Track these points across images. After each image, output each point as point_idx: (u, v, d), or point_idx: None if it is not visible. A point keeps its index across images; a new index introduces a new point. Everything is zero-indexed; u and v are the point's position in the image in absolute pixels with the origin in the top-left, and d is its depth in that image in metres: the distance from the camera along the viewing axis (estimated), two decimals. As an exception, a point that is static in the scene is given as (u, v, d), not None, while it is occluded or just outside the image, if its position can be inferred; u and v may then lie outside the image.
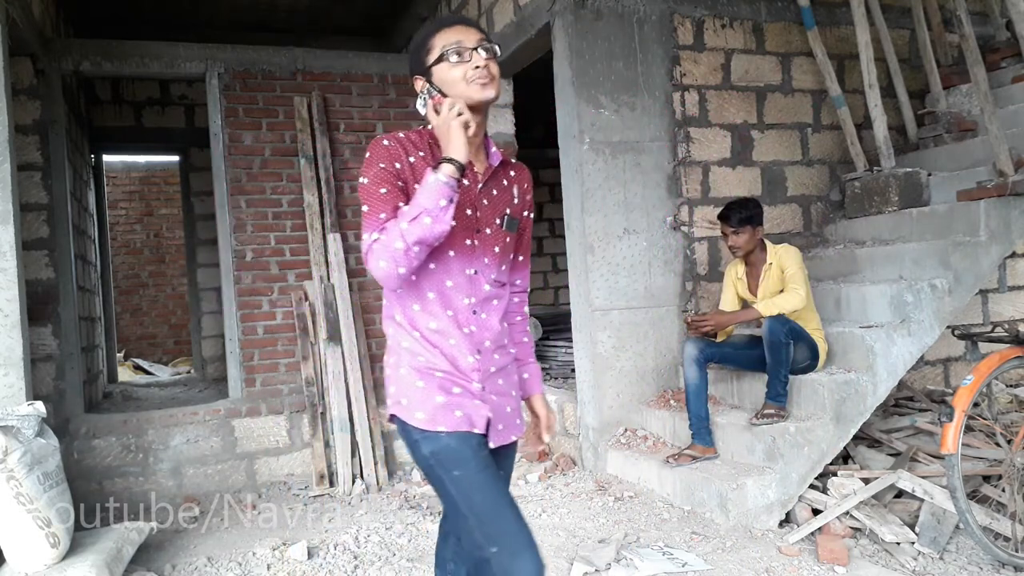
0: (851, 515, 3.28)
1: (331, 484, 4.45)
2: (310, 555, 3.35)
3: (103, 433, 4.33)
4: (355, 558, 3.31)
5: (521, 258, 1.88)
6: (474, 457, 1.63)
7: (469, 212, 1.69)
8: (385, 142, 1.66)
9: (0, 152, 3.34)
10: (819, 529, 3.23)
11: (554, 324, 6.11)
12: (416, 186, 1.61)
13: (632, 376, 4.27)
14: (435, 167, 1.56)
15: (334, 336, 4.60)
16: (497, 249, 1.74)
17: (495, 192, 1.76)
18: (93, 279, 5.98)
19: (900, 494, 3.44)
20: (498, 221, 1.74)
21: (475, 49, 1.64)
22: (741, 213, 3.67)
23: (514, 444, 1.81)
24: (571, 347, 4.74)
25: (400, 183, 1.63)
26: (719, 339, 3.81)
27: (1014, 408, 4.34)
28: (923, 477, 3.40)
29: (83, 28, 6.27)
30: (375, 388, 4.78)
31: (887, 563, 2.99)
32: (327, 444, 4.52)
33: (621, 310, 4.26)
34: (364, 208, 1.62)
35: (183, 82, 6.62)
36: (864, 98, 4.47)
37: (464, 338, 1.69)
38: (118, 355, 7.78)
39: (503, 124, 5.30)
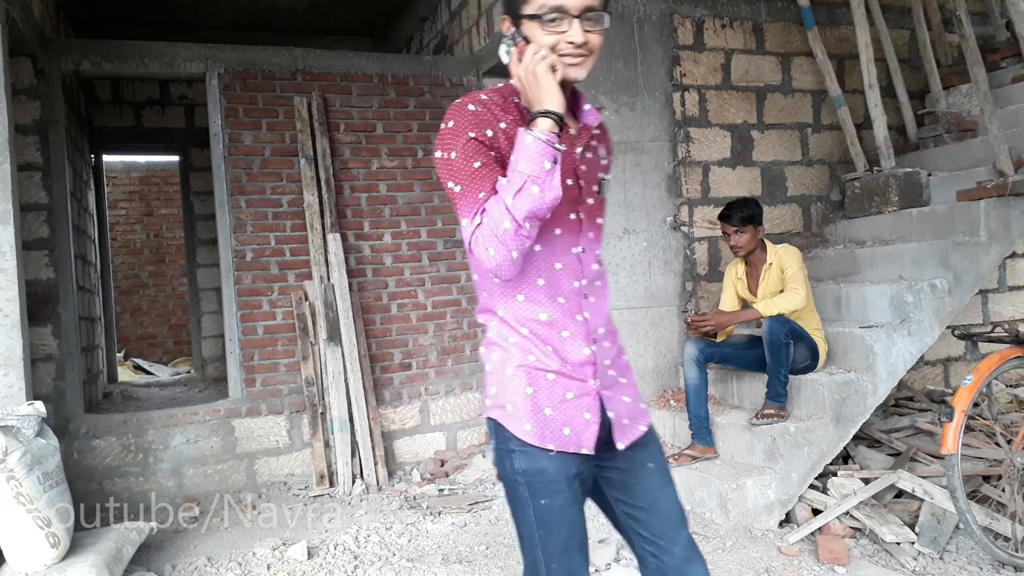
0: (851, 515, 3.28)
1: (331, 484, 4.45)
2: (310, 555, 3.35)
3: (103, 433, 4.33)
4: (355, 558, 3.31)
5: (600, 220, 1.60)
6: (568, 487, 1.45)
7: (570, 181, 1.46)
8: (471, 106, 1.41)
9: (0, 152, 3.34)
10: (819, 529, 3.23)
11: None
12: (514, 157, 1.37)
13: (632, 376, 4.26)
14: (528, 125, 1.35)
15: (334, 336, 4.60)
16: (600, 221, 1.53)
17: (590, 155, 1.53)
18: (93, 279, 5.98)
19: (900, 494, 3.44)
20: (595, 188, 1.52)
21: (578, 17, 1.40)
22: (743, 212, 3.67)
23: (650, 433, 1.60)
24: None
25: (494, 153, 1.40)
26: (719, 339, 3.81)
27: (1014, 408, 4.34)
28: (923, 477, 3.40)
29: (83, 28, 6.27)
30: (375, 388, 4.79)
31: (887, 563, 2.99)
32: (327, 444, 4.52)
33: (621, 310, 4.26)
34: (455, 188, 1.40)
35: (183, 82, 6.62)
36: (864, 98, 4.47)
37: (578, 327, 1.48)
38: (118, 355, 7.78)
39: (503, 124, 5.29)
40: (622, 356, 1.61)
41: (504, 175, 1.37)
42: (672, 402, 4.18)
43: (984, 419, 3.46)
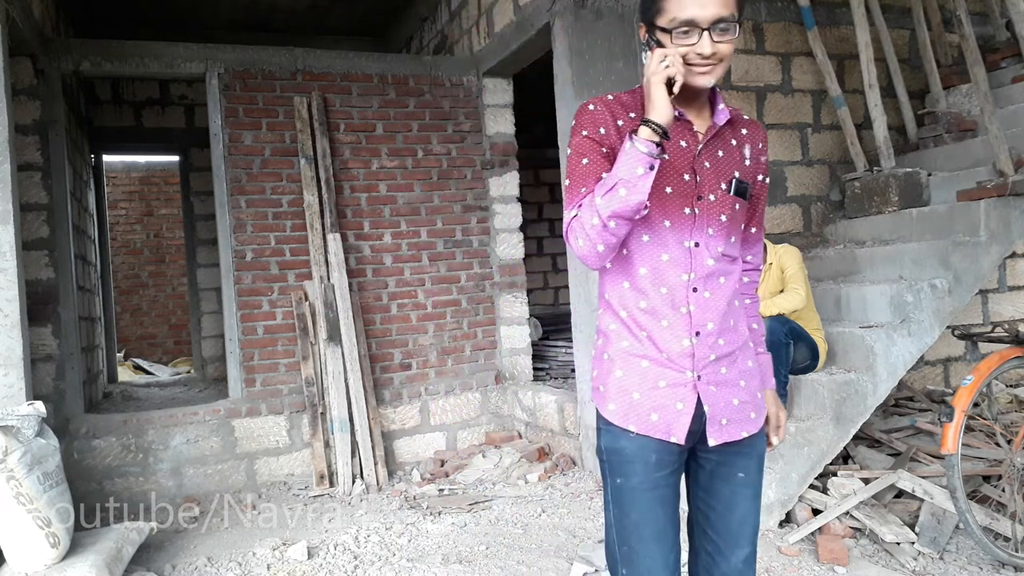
0: (851, 515, 3.28)
1: (331, 484, 4.45)
2: (310, 555, 3.35)
3: (103, 433, 4.33)
4: (355, 558, 3.31)
5: (754, 231, 1.67)
6: (644, 470, 1.49)
7: (687, 177, 1.51)
8: (591, 106, 1.52)
9: (0, 152, 3.34)
10: (819, 529, 3.23)
11: (554, 324, 6.11)
12: None
13: (632, 376, 4.26)
14: (633, 131, 1.41)
15: (334, 336, 4.60)
16: (724, 218, 1.54)
17: (721, 153, 1.56)
18: (93, 279, 5.98)
19: (900, 494, 3.44)
20: (723, 186, 1.54)
21: (708, 29, 1.43)
22: None
23: (755, 440, 1.60)
24: (571, 347, 4.74)
25: (605, 150, 1.49)
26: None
27: (1014, 408, 4.34)
28: (923, 477, 3.40)
29: (83, 28, 6.27)
30: (375, 388, 4.79)
31: (887, 563, 2.99)
32: (327, 444, 4.52)
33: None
34: (565, 182, 1.52)
35: (183, 82, 6.62)
36: (864, 98, 4.47)
37: (680, 319, 1.51)
38: (118, 355, 7.78)
39: (503, 124, 5.30)
40: (746, 359, 1.61)
41: (609, 170, 1.46)
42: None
43: (984, 419, 3.46)
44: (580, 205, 1.46)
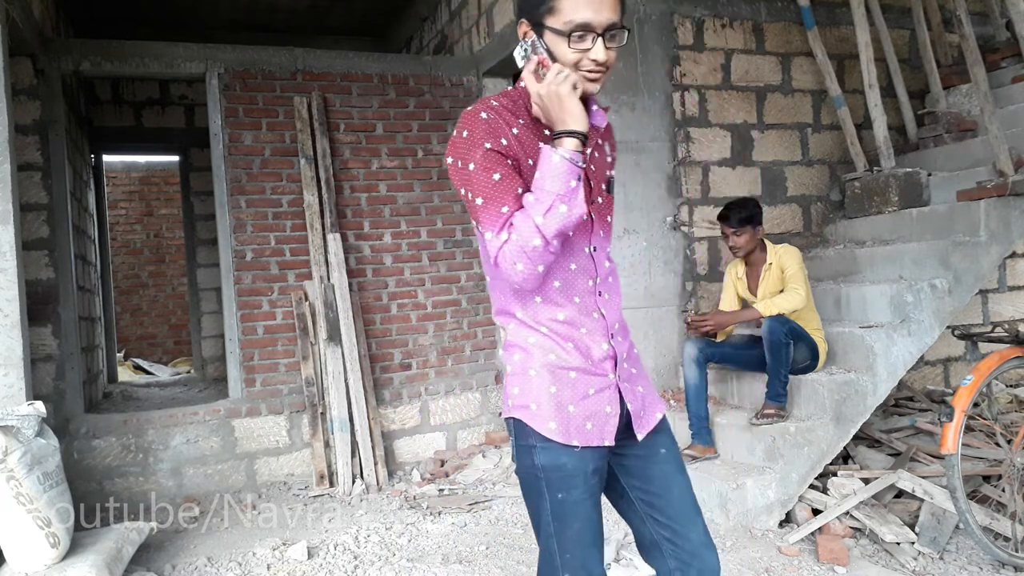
0: (851, 515, 3.28)
1: (331, 484, 4.45)
2: (310, 555, 3.35)
3: (103, 433, 4.33)
4: (355, 558, 3.31)
5: (610, 219, 1.63)
6: (584, 483, 1.50)
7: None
8: (484, 115, 1.43)
9: (0, 152, 3.34)
10: (819, 529, 3.23)
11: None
12: (529, 161, 1.42)
13: (632, 376, 4.27)
14: (552, 142, 1.38)
15: (334, 336, 4.60)
16: (609, 219, 1.58)
17: (596, 155, 1.56)
18: (93, 279, 5.98)
19: (900, 494, 3.45)
20: (604, 187, 1.56)
21: (601, 35, 1.39)
22: (741, 213, 3.67)
23: (664, 420, 1.66)
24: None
25: (510, 162, 1.42)
26: (719, 339, 3.81)
27: (1014, 408, 4.35)
28: (923, 477, 3.40)
29: (83, 28, 6.27)
30: (375, 388, 4.79)
31: (887, 563, 2.99)
32: (327, 444, 4.52)
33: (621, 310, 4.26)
34: (476, 200, 1.41)
35: (183, 82, 6.62)
36: (864, 98, 4.47)
37: (595, 324, 1.52)
38: (118, 355, 7.78)
39: (503, 124, 5.29)
40: (634, 348, 1.66)
41: (520, 183, 1.41)
42: (672, 402, 4.18)
43: (984, 419, 3.46)
44: (510, 226, 1.38)
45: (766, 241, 3.77)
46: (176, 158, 7.38)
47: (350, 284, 4.75)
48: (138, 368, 8.58)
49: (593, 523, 1.53)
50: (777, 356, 3.48)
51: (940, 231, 3.91)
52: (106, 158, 7.74)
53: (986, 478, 3.44)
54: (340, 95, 4.90)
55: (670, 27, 4.45)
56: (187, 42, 4.75)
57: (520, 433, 1.52)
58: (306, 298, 4.70)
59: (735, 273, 3.88)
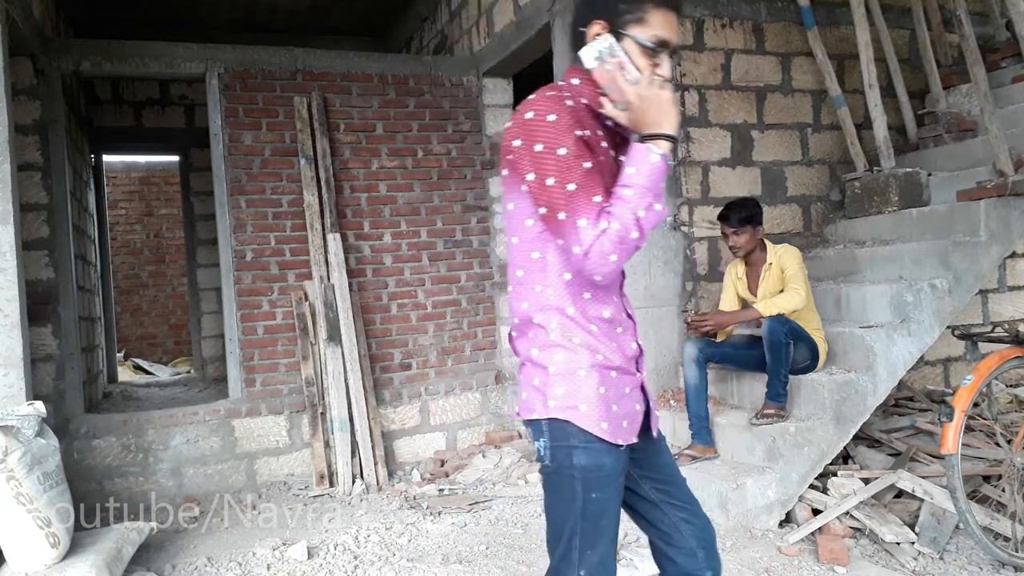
0: (851, 515, 3.28)
1: (331, 484, 4.45)
2: (310, 555, 3.35)
3: (103, 433, 4.33)
4: (355, 558, 3.31)
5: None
6: (617, 481, 1.54)
7: None
8: (569, 103, 1.46)
9: (0, 152, 3.34)
10: (819, 529, 3.23)
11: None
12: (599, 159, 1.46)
13: (632, 376, 4.26)
14: (647, 143, 1.42)
15: (334, 336, 4.60)
16: None
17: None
18: (93, 279, 5.98)
19: (900, 494, 3.44)
20: None
21: (672, 52, 1.49)
22: (741, 213, 3.67)
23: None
24: (571, 347, 4.73)
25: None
26: (719, 339, 3.81)
27: (1014, 408, 4.34)
28: (923, 477, 3.40)
29: (83, 28, 6.27)
30: (375, 388, 4.79)
31: (887, 563, 2.99)
32: (327, 444, 4.52)
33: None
34: (568, 186, 1.41)
35: (183, 82, 6.62)
36: (864, 98, 4.47)
37: (628, 324, 1.59)
38: (118, 355, 7.78)
39: (503, 124, 5.30)
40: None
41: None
42: (672, 402, 4.18)
43: (984, 419, 3.45)
44: (608, 215, 1.40)
45: (766, 241, 3.77)
46: (176, 158, 7.38)
47: (350, 284, 4.75)
48: (138, 368, 8.58)
49: (617, 519, 1.58)
50: (777, 356, 3.48)
51: (940, 231, 3.91)
52: (106, 158, 7.74)
53: (986, 478, 3.44)
54: (340, 95, 4.90)
55: (670, 27, 4.44)
56: (187, 42, 4.75)
57: (559, 434, 1.51)
58: (306, 298, 4.70)
59: (735, 273, 3.88)
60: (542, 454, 1.56)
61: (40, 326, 4.25)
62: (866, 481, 3.43)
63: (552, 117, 1.43)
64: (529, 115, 1.45)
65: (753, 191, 4.67)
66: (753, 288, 3.79)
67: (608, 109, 1.49)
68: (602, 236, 1.40)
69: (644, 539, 3.23)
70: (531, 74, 5.29)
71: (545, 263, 1.51)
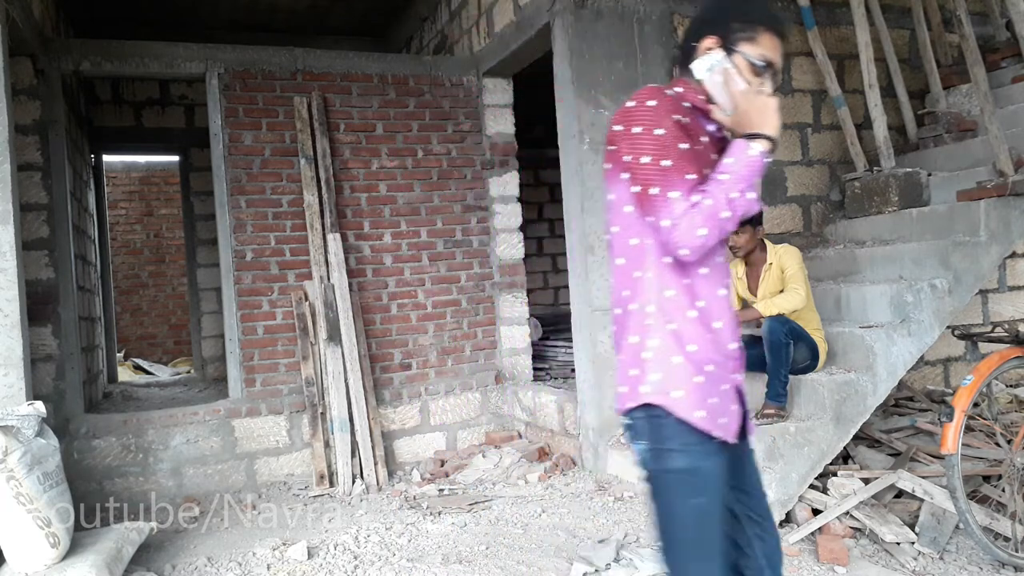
0: (851, 515, 3.28)
1: (331, 484, 4.45)
2: (310, 555, 3.35)
3: (103, 433, 4.33)
4: (355, 558, 3.31)
5: None
6: (719, 483, 1.54)
7: None
8: (668, 91, 1.57)
9: (0, 152, 3.34)
10: (819, 529, 3.23)
11: (554, 324, 6.11)
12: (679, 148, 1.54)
13: (632, 376, 4.26)
14: (750, 140, 1.52)
15: (334, 336, 4.60)
16: None
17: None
18: (93, 279, 5.98)
19: (900, 494, 3.44)
20: None
21: (774, 75, 1.60)
22: None
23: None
24: (571, 347, 4.74)
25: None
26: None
27: (1014, 408, 4.34)
28: (923, 477, 3.40)
29: (83, 28, 6.27)
30: (375, 388, 4.79)
31: (887, 563, 2.99)
32: (327, 444, 4.52)
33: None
34: (662, 163, 1.49)
35: (183, 82, 6.62)
36: (864, 98, 4.47)
37: (729, 321, 1.59)
38: (118, 355, 7.78)
39: (503, 124, 5.30)
40: None
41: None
42: (672, 402, 4.18)
43: (984, 419, 3.46)
44: (701, 192, 1.47)
45: (766, 241, 3.77)
46: (176, 158, 7.38)
47: (350, 284, 4.75)
48: (138, 368, 8.58)
49: (722, 527, 1.56)
50: (777, 356, 3.48)
51: (940, 231, 3.91)
52: (106, 158, 7.74)
53: (986, 478, 3.44)
54: (340, 95, 4.90)
55: (670, 27, 4.45)
56: (187, 42, 4.75)
57: (655, 434, 1.52)
58: (306, 298, 4.70)
59: (735, 273, 3.88)
60: (641, 458, 1.56)
61: (40, 326, 4.25)
62: (866, 481, 3.42)
63: (652, 102, 1.54)
64: (630, 104, 1.56)
65: (753, 191, 4.67)
66: (753, 288, 3.79)
67: (716, 113, 1.59)
68: (691, 211, 1.46)
69: (644, 539, 3.24)
70: (531, 74, 5.31)
71: (643, 249, 1.56)
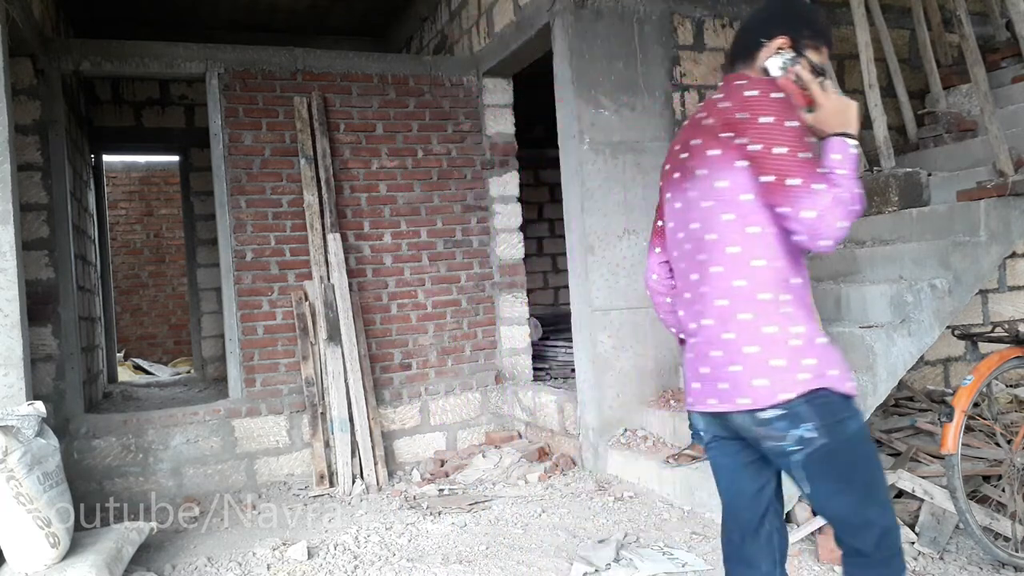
0: (851, 515, 3.28)
1: (331, 484, 4.45)
2: (310, 555, 3.35)
3: (103, 433, 4.33)
4: (355, 558, 3.31)
5: None
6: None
7: None
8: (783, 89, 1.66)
9: (0, 152, 3.34)
10: (819, 529, 3.23)
11: (554, 324, 6.11)
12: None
13: (632, 376, 4.27)
14: (845, 139, 1.61)
15: (334, 336, 4.60)
16: None
17: None
18: (93, 279, 5.98)
19: (900, 494, 3.44)
20: None
21: (822, 81, 1.69)
22: None
23: None
24: (571, 347, 4.74)
25: None
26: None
27: (1014, 408, 4.34)
28: (923, 477, 3.40)
29: (83, 28, 6.27)
30: (375, 388, 4.79)
31: (887, 563, 2.99)
32: (327, 444, 4.52)
33: (621, 310, 4.26)
34: (799, 154, 1.55)
35: (183, 82, 6.62)
36: (864, 98, 4.47)
37: (812, 301, 1.70)
38: (118, 355, 7.78)
39: (503, 124, 5.30)
40: None
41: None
42: (672, 402, 4.18)
43: (984, 419, 3.45)
44: (835, 184, 1.53)
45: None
46: (176, 158, 7.38)
47: (350, 284, 4.75)
48: (138, 368, 8.58)
49: None
50: (777, 356, 3.47)
51: (940, 231, 3.91)
52: (106, 158, 7.74)
53: (986, 478, 3.44)
54: (340, 95, 4.90)
55: (670, 27, 4.45)
56: (187, 42, 4.75)
57: (826, 412, 1.58)
58: (306, 298, 4.70)
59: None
60: (807, 437, 1.59)
61: (40, 326, 4.25)
62: (866, 481, 3.42)
63: (777, 95, 1.59)
64: (752, 93, 1.59)
65: (753, 191, 4.67)
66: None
67: (817, 118, 1.66)
68: (835, 201, 1.51)
69: (644, 539, 3.25)
70: (531, 74, 5.31)
71: (766, 236, 1.60)
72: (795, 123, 1.57)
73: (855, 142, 1.60)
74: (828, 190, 1.51)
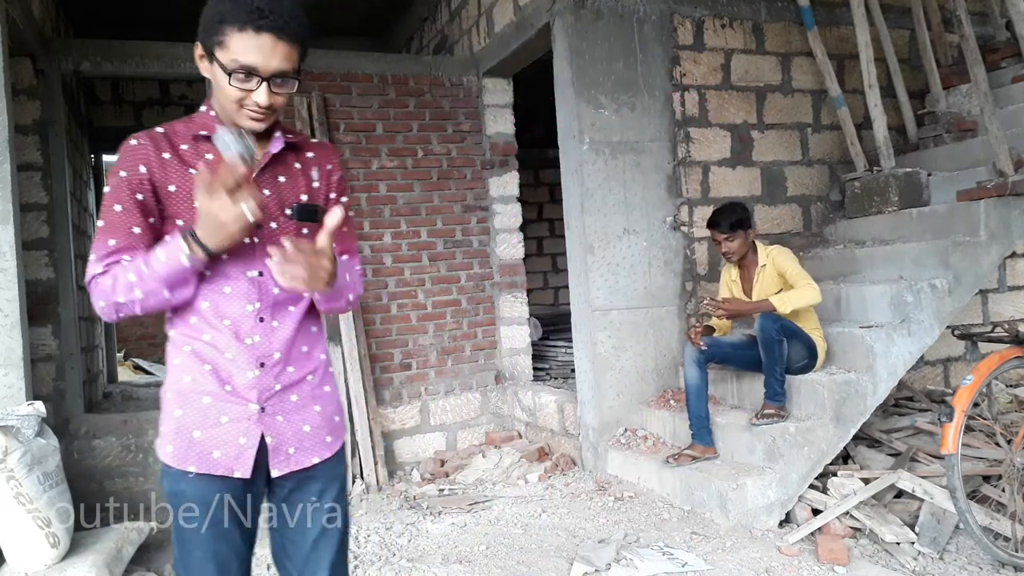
0: (851, 515, 3.28)
1: (331, 484, 4.44)
2: (310, 555, 3.34)
3: (103, 433, 4.33)
4: (355, 558, 3.31)
5: (345, 257, 1.60)
6: (204, 510, 1.52)
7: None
8: (134, 141, 1.61)
9: (0, 152, 3.34)
10: (819, 529, 3.23)
11: (554, 324, 6.11)
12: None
13: (632, 376, 4.27)
14: (188, 236, 1.42)
15: (334, 336, 4.60)
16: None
17: (282, 179, 1.54)
18: (93, 279, 5.97)
19: (900, 494, 3.45)
20: (288, 212, 1.51)
21: (268, 80, 1.42)
22: (730, 218, 3.67)
23: (330, 464, 1.62)
24: (571, 347, 4.74)
25: (141, 196, 1.53)
26: (717, 334, 3.82)
27: (1014, 408, 4.34)
28: (923, 477, 3.40)
29: (83, 28, 6.27)
30: (375, 388, 4.79)
31: (887, 563, 2.99)
32: (327, 444, 4.52)
33: (621, 310, 4.26)
34: (99, 223, 1.47)
35: (183, 82, 6.62)
36: (864, 98, 4.47)
37: (244, 350, 1.47)
38: (118, 355, 7.78)
39: (503, 124, 5.30)
40: (323, 384, 1.60)
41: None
42: (672, 402, 4.18)
43: (984, 419, 3.46)
44: (106, 269, 1.41)
45: (757, 243, 3.77)
46: (176, 158, 7.37)
47: (350, 284, 4.75)
48: (138, 368, 8.58)
49: (217, 553, 1.64)
50: (771, 353, 3.48)
51: (940, 231, 3.91)
52: (106, 158, 7.73)
53: (986, 478, 3.44)
54: (340, 95, 4.90)
55: (670, 27, 4.45)
56: (187, 42, 4.73)
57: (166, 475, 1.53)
58: (306, 298, 4.70)
59: (729, 276, 3.88)
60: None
61: (40, 326, 4.25)
62: (866, 481, 3.43)
63: (117, 156, 1.56)
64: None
65: (753, 191, 4.67)
66: (748, 290, 3.79)
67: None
68: (96, 281, 1.42)
69: (644, 539, 3.25)
70: (531, 74, 5.31)
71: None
72: (108, 186, 1.49)
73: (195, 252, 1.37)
74: (93, 268, 1.42)
